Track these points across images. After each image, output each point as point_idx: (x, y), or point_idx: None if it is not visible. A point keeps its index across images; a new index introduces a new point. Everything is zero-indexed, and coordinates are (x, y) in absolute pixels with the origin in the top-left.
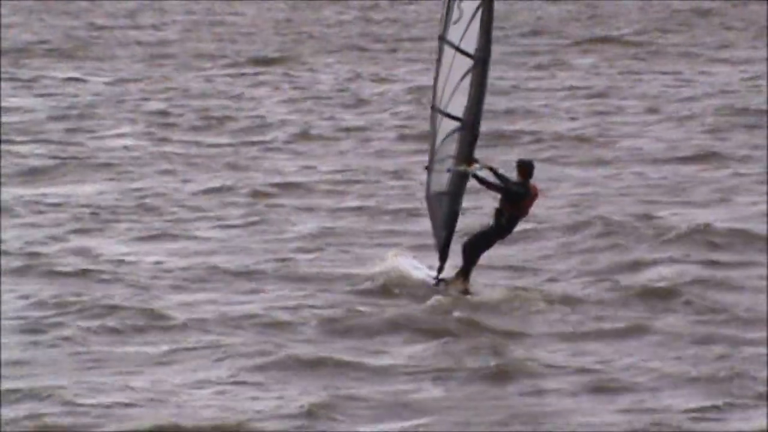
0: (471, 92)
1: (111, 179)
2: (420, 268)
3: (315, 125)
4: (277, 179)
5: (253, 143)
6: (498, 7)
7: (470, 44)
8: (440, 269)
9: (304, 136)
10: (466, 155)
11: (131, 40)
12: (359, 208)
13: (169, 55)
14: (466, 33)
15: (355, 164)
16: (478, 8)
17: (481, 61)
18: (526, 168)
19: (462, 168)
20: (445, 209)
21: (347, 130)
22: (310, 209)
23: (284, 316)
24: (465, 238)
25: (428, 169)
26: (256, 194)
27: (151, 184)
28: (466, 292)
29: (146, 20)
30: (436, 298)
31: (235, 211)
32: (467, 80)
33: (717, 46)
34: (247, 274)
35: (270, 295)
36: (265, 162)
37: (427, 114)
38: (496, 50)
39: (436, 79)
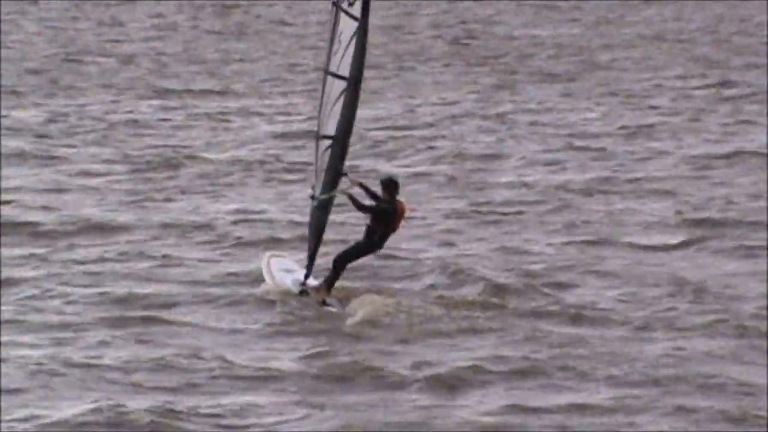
0: (343, 110)
1: None
2: (294, 271)
3: None
4: None
5: None
6: None
7: (346, 69)
8: (306, 276)
9: None
10: (335, 167)
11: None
12: None
13: None
14: (342, 60)
15: None
16: (352, 36)
17: (354, 81)
18: (391, 186)
19: (326, 195)
20: (315, 222)
21: None
22: None
23: None
24: (340, 251)
25: (312, 197)
26: None
27: None
28: (323, 303)
29: None
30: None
31: None
32: (341, 101)
33: None
34: None
35: None
36: None
37: None
38: None
39: (319, 108)
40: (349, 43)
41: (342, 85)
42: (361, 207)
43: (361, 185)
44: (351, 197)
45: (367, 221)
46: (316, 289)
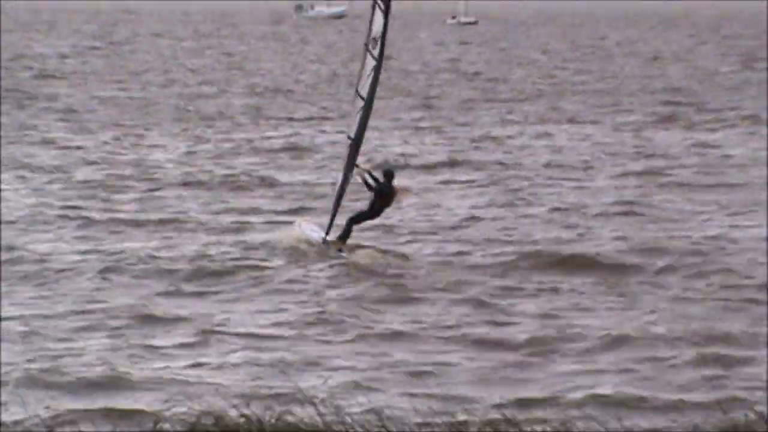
0: (359, 121)
1: None
2: (317, 231)
3: None
4: None
5: None
6: None
7: (364, 90)
8: (327, 232)
9: None
10: (351, 159)
11: None
12: None
13: None
14: (366, 83)
15: None
16: (373, 68)
17: (368, 102)
18: (389, 174)
19: (346, 172)
20: (337, 194)
21: None
22: None
23: None
24: (350, 215)
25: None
26: None
27: None
28: (339, 250)
29: None
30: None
31: None
32: (359, 115)
33: None
34: None
35: None
36: None
37: None
38: None
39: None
40: (370, 73)
41: (360, 103)
42: (369, 187)
43: (368, 172)
44: (364, 180)
45: (371, 197)
46: (334, 241)
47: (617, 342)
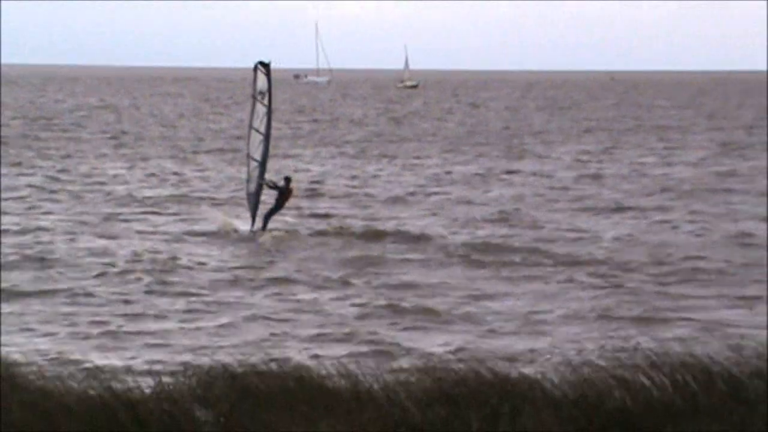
0: (261, 149)
1: None
2: (246, 224)
3: None
4: None
5: None
6: None
7: (262, 126)
8: (253, 224)
9: None
10: (260, 175)
11: None
12: None
13: None
14: (261, 121)
15: None
16: (264, 114)
17: (266, 136)
18: (287, 179)
19: (260, 182)
20: (253, 200)
21: None
22: None
23: None
24: (265, 211)
25: (255, 191)
26: None
27: None
28: (262, 234)
29: None
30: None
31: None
32: (262, 144)
33: None
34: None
35: None
36: None
37: None
38: None
39: (247, 143)
40: (262, 118)
41: (260, 136)
42: (274, 187)
43: (273, 181)
44: (272, 186)
45: (276, 196)
46: (258, 232)
47: None
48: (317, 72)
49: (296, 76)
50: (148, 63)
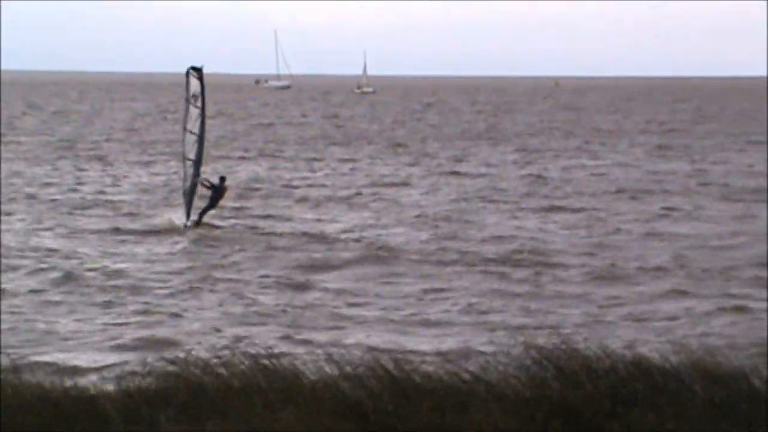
0: (195, 149)
1: None
2: (181, 219)
3: None
4: None
5: None
6: None
7: (195, 128)
8: (187, 219)
9: None
10: (195, 174)
11: None
12: None
13: None
14: (195, 123)
15: None
16: (198, 116)
17: (200, 137)
18: (222, 179)
19: (195, 180)
20: (188, 197)
21: None
22: None
23: None
24: (201, 207)
25: (190, 189)
26: None
27: None
28: (197, 227)
29: None
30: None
31: None
32: (196, 145)
33: None
34: None
35: None
36: None
37: None
38: None
39: (183, 143)
40: (197, 118)
41: (194, 137)
42: (209, 187)
43: (207, 180)
44: (203, 184)
45: (211, 193)
46: (194, 223)
47: None
48: (278, 77)
49: (257, 81)
50: (108, 68)
